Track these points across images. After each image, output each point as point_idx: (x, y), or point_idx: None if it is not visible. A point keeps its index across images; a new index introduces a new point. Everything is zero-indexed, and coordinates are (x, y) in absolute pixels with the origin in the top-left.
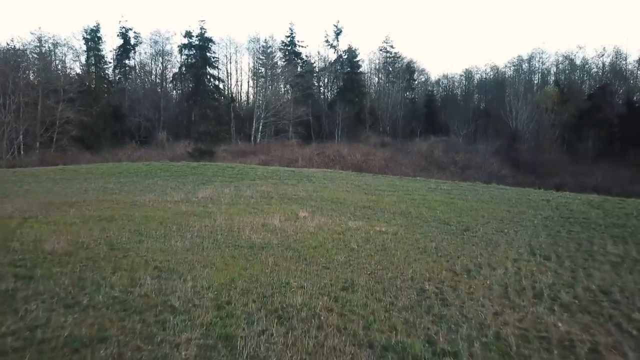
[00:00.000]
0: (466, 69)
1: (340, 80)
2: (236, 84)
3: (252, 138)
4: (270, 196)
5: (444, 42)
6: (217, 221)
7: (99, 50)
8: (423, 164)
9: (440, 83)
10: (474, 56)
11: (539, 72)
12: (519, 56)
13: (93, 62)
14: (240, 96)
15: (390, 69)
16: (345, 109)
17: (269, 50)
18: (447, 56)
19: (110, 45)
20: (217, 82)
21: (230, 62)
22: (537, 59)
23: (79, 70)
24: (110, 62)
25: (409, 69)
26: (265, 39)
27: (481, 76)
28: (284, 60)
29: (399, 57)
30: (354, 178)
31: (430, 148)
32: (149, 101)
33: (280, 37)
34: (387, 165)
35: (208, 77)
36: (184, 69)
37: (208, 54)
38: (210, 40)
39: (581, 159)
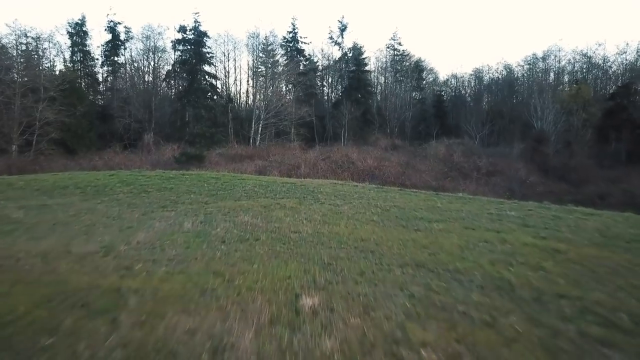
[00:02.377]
0: (476, 68)
1: (345, 79)
2: (234, 83)
3: (251, 140)
4: (255, 236)
5: (453, 40)
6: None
7: (85, 45)
8: (445, 170)
9: (449, 83)
10: (485, 55)
11: (553, 71)
12: (534, 54)
13: (78, 58)
14: (240, 96)
15: (399, 67)
16: (351, 109)
17: (269, 48)
18: (457, 55)
19: (98, 41)
20: (212, 80)
21: (229, 60)
22: (552, 57)
23: (62, 67)
24: (97, 59)
25: (418, 68)
26: (266, 35)
27: (492, 75)
28: (285, 57)
29: (407, 55)
30: (375, 195)
31: (449, 152)
32: (139, 101)
33: (281, 32)
34: (404, 173)
35: (202, 74)
36: (177, 66)
37: (203, 50)
38: (204, 34)
39: (609, 163)
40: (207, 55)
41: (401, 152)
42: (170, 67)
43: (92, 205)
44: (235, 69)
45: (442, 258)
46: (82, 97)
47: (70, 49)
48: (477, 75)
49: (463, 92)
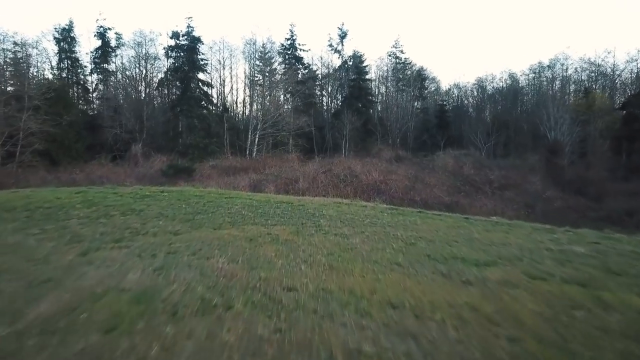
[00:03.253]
0: (479, 78)
1: (346, 88)
2: (230, 92)
3: (247, 152)
4: (227, 299)
5: (455, 49)
6: None
7: (73, 52)
8: (457, 184)
9: (451, 93)
10: (489, 63)
11: (559, 79)
12: (540, 62)
13: (66, 65)
14: (236, 105)
15: (400, 75)
16: (352, 119)
17: (267, 55)
18: (459, 64)
19: (87, 47)
20: (206, 88)
21: (224, 68)
22: (558, 66)
23: (49, 75)
24: (86, 66)
25: (420, 77)
26: (263, 43)
27: (496, 84)
28: (283, 65)
29: (409, 63)
30: (390, 219)
31: (458, 164)
32: (130, 110)
33: (279, 38)
34: (413, 187)
35: (196, 82)
36: (170, 73)
37: (196, 56)
38: (198, 40)
39: (622, 175)
40: (200, 62)
41: (407, 164)
42: (163, 75)
43: (22, 238)
44: (231, 78)
45: (536, 353)
46: (69, 106)
47: (58, 55)
48: (480, 84)
49: (466, 102)
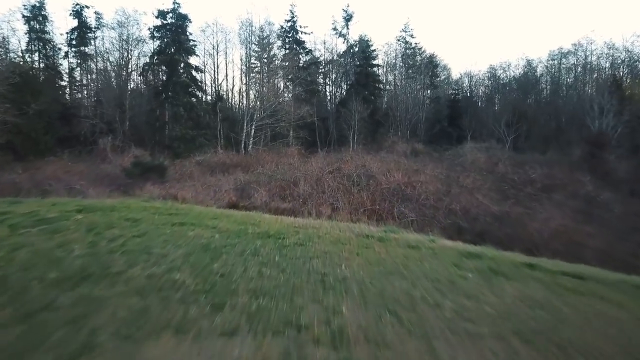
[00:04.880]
0: (491, 65)
1: (351, 76)
2: (225, 80)
3: (243, 145)
4: None
5: (467, 35)
6: None
7: (45, 32)
8: (504, 187)
9: (462, 81)
10: (503, 50)
11: (581, 66)
12: (560, 48)
13: (37, 47)
14: (232, 94)
15: (410, 62)
16: (359, 108)
17: (265, 41)
18: (471, 51)
19: (63, 28)
20: (195, 73)
21: (218, 53)
22: (582, 51)
23: (15, 57)
24: (60, 49)
25: (432, 63)
26: (261, 26)
27: (513, 72)
28: (283, 49)
29: (420, 49)
30: (487, 289)
31: (491, 160)
32: (111, 98)
33: (278, 19)
34: (448, 192)
35: (184, 66)
36: (155, 57)
37: (183, 37)
38: (185, 17)
39: None
40: (189, 43)
41: (429, 160)
42: (148, 60)
43: None
44: (226, 64)
45: None
46: (37, 93)
47: (28, 35)
48: (492, 72)
49: (481, 90)
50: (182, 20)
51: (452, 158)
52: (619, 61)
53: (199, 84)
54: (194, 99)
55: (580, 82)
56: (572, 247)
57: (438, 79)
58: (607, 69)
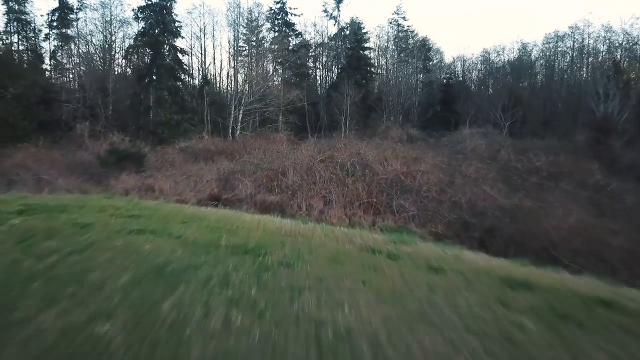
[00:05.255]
0: (485, 49)
1: (342, 59)
2: (212, 63)
3: (230, 130)
4: None
5: (460, 18)
6: None
7: (24, 13)
8: (513, 176)
9: (455, 65)
10: (497, 34)
11: (577, 49)
12: (556, 31)
13: (15, 28)
14: (220, 78)
15: (403, 45)
16: (350, 92)
17: (254, 24)
18: (464, 34)
19: (44, 9)
20: (180, 56)
21: (205, 35)
22: (579, 34)
23: None
24: (41, 30)
25: (425, 47)
26: (250, 8)
27: (507, 56)
28: (272, 31)
29: (413, 32)
30: None
31: (493, 147)
32: (93, 82)
33: (268, 1)
34: (451, 183)
35: (169, 48)
36: (139, 39)
37: (168, 17)
38: None
39: None
40: (174, 24)
41: (424, 146)
42: (132, 42)
43: None
44: (214, 47)
45: None
46: (16, 76)
47: (6, 16)
48: (486, 56)
49: (474, 74)
50: (166, 0)
51: (450, 144)
52: (616, 44)
53: (185, 67)
54: (179, 83)
55: (576, 66)
56: (594, 246)
57: (431, 62)
58: (604, 53)
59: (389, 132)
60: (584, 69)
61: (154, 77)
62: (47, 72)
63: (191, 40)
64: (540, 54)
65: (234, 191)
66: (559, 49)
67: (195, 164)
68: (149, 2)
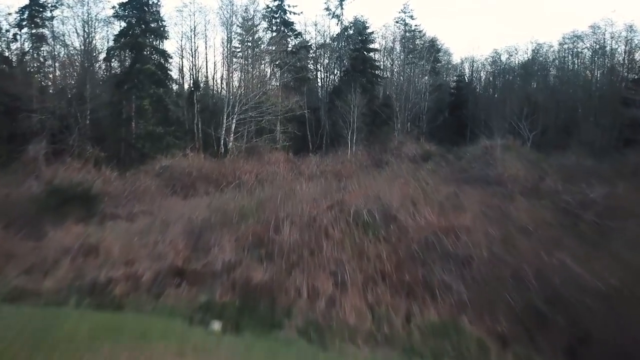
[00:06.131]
0: (495, 50)
1: (346, 61)
2: (204, 66)
3: (222, 142)
4: None
5: (470, 16)
6: None
7: None
8: (558, 214)
9: (463, 67)
10: (511, 34)
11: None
12: (574, 31)
13: None
14: (214, 82)
15: (411, 46)
16: (357, 101)
17: (249, 23)
18: (473, 33)
19: (13, 6)
20: (162, 60)
21: (196, 35)
22: (600, 34)
23: None
24: (8, 30)
25: (433, 48)
26: (245, 6)
27: (521, 58)
28: (269, 31)
29: (421, 31)
30: None
31: (534, 171)
32: (67, 89)
33: None
34: (512, 245)
35: (150, 51)
36: (118, 41)
37: (149, 16)
38: None
39: None
40: (157, 23)
41: (445, 166)
42: (113, 43)
43: None
44: (206, 48)
45: None
46: None
47: None
48: (495, 58)
49: (484, 77)
50: None
51: (476, 165)
52: (634, 42)
53: (169, 72)
54: (162, 90)
55: (594, 67)
56: None
57: (439, 64)
58: (625, 53)
59: (402, 148)
60: (604, 71)
61: (136, 83)
62: (14, 78)
63: (181, 41)
64: (556, 55)
65: (207, 257)
66: (578, 49)
67: (171, 196)
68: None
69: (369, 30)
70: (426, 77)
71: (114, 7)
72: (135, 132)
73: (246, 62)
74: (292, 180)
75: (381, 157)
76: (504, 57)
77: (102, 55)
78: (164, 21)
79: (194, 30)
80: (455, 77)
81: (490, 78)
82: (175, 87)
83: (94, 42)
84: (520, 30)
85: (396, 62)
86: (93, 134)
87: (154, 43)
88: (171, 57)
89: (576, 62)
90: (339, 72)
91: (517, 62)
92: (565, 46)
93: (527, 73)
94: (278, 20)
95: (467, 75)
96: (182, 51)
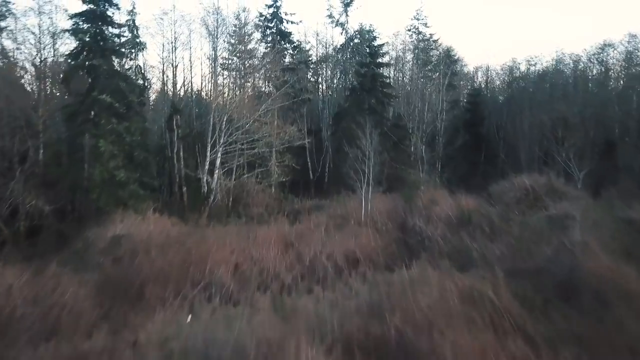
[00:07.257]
0: (513, 58)
1: (351, 76)
2: (185, 85)
3: (204, 181)
4: None
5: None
6: None
7: None
8: None
9: (475, 76)
10: (532, 42)
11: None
12: (605, 41)
13: None
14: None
15: (424, 57)
16: (371, 131)
17: (242, 31)
18: (487, 42)
19: None
20: (125, 85)
21: (175, 48)
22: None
23: None
24: None
25: (449, 59)
26: (236, 13)
27: (542, 67)
28: (263, 42)
29: (435, 41)
30: None
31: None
32: (14, 117)
33: (256, 4)
34: None
35: (109, 74)
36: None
37: (108, 30)
38: (110, 1)
39: None
40: (113, 38)
41: (499, 245)
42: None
43: None
44: (191, 62)
45: None
46: None
47: None
48: (511, 70)
49: (498, 86)
50: (104, 5)
51: (547, 248)
52: None
53: (131, 101)
54: (125, 125)
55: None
56: None
57: (455, 76)
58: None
59: (433, 207)
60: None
61: (88, 117)
62: None
63: (162, 53)
64: (583, 66)
65: None
66: (610, 59)
67: (101, 322)
68: (85, 9)
69: (378, 42)
70: (442, 92)
71: (70, 17)
72: (90, 178)
73: (238, 74)
74: (287, 283)
75: (406, 220)
76: (523, 67)
77: (59, 77)
78: (138, 36)
79: (174, 44)
80: (468, 89)
81: (509, 90)
82: (149, 112)
83: (46, 60)
84: (540, 36)
85: (407, 75)
86: (46, 177)
87: (112, 64)
88: (146, 80)
89: (607, 75)
90: (343, 87)
91: (537, 72)
92: (595, 56)
93: (552, 86)
94: (273, 31)
95: (482, 85)
96: (163, 64)
